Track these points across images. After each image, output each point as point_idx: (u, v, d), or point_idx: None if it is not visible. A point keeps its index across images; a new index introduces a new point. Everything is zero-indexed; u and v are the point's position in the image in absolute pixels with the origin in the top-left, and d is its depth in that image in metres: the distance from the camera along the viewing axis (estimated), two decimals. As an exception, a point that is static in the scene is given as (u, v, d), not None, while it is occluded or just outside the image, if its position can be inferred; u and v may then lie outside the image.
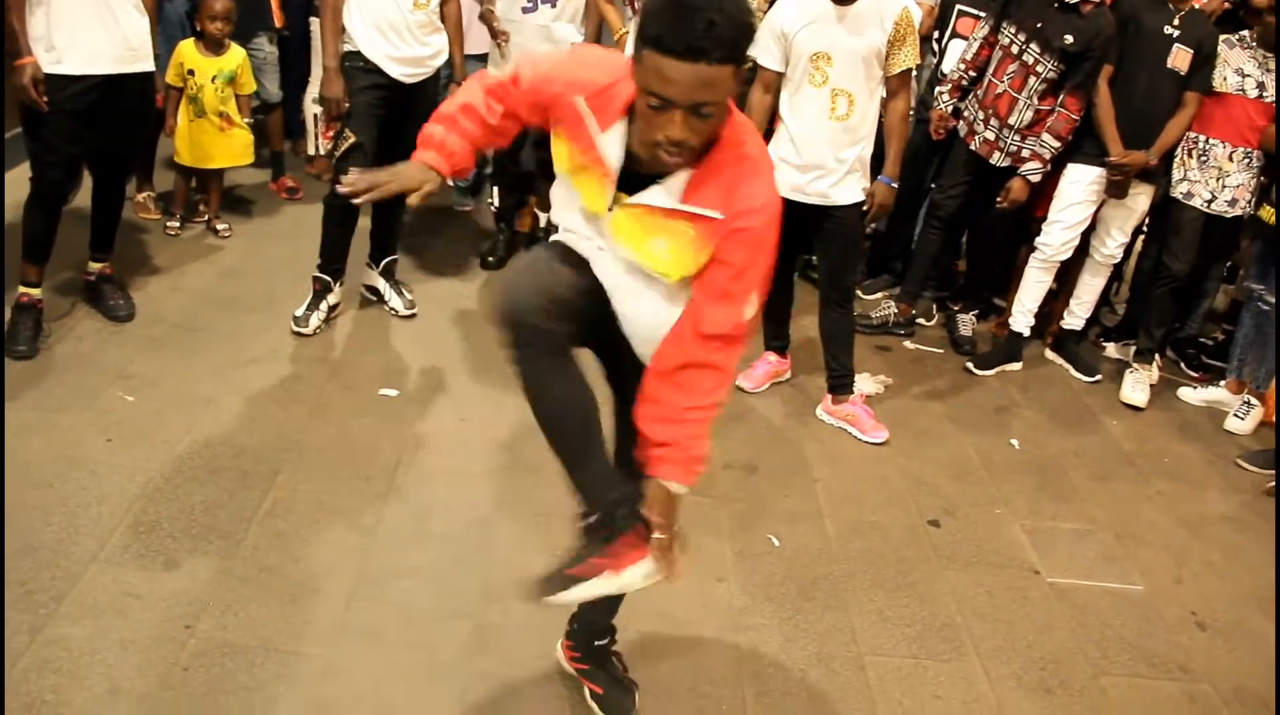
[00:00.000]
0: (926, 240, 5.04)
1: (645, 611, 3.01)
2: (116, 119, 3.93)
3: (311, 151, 6.15)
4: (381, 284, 4.66)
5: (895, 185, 3.98)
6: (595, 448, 2.22)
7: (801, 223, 4.02)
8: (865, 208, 3.97)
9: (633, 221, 2.01)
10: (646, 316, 2.13)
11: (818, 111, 3.86)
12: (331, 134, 4.42)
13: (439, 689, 2.67)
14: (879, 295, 5.44)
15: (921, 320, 5.25)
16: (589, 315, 2.12)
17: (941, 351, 5.04)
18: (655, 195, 1.96)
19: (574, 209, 2.14)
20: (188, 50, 4.84)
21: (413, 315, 4.58)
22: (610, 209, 2.02)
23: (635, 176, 1.98)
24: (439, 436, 3.71)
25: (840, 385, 4.20)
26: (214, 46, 4.83)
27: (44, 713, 2.46)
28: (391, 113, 4.33)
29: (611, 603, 2.57)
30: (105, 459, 3.39)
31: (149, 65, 4.01)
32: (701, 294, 2.02)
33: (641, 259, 2.03)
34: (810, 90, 3.85)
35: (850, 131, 3.86)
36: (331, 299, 4.44)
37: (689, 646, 2.93)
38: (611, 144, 1.97)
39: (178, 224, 5.12)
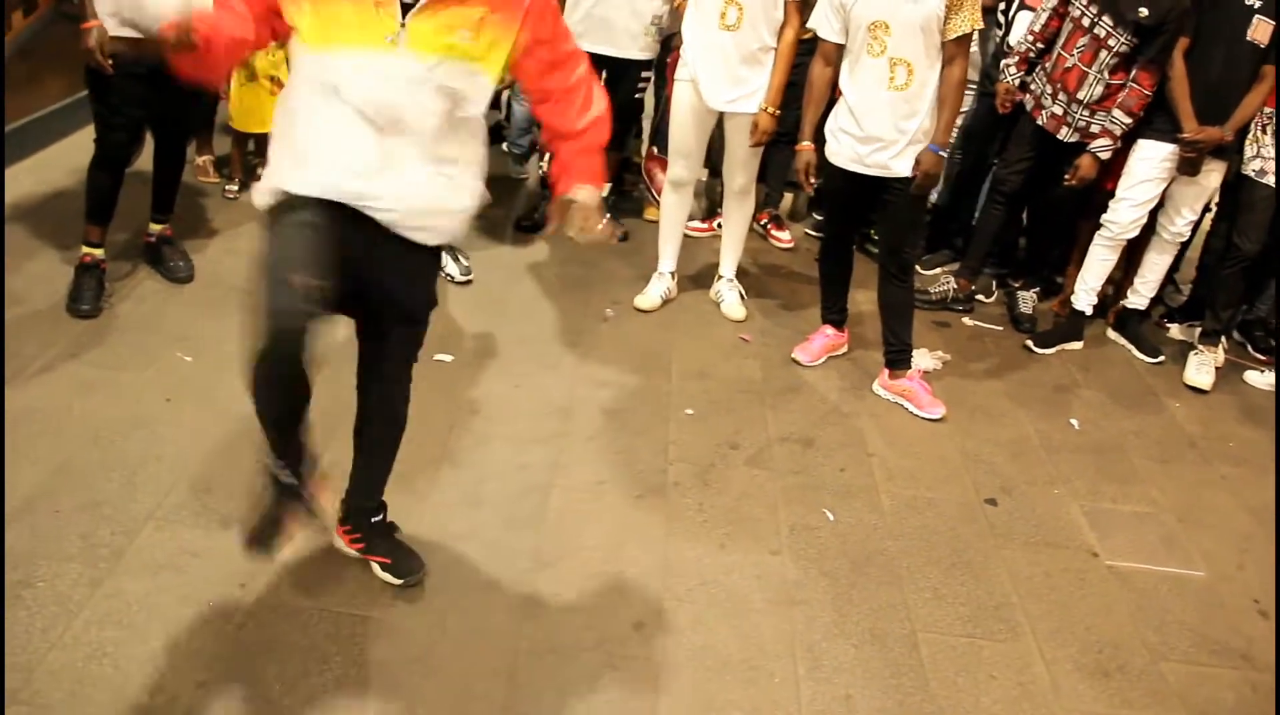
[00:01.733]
0: (989, 216, 4.96)
1: (697, 582, 3.00)
2: (179, 82, 3.94)
3: None
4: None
5: (944, 154, 3.87)
6: (297, 429, 2.43)
7: (861, 194, 3.97)
8: (912, 176, 3.89)
9: (430, 27, 2.15)
10: (411, 179, 2.29)
11: (876, 81, 3.78)
12: None
13: (488, 653, 2.67)
14: (938, 270, 5.37)
15: (981, 297, 5.17)
16: (340, 283, 2.23)
17: (1001, 329, 4.96)
18: None
19: (336, 64, 2.18)
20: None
21: (468, 282, 4.58)
22: (403, 24, 2.13)
23: None
24: (492, 402, 3.71)
25: (898, 360, 4.14)
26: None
27: (105, 664, 2.49)
28: None
29: (372, 480, 2.83)
30: (164, 418, 3.42)
31: None
32: (538, 80, 2.40)
33: (450, 54, 2.18)
34: (869, 60, 3.78)
35: (909, 101, 3.78)
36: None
37: (741, 618, 2.90)
38: None
39: (236, 187, 5.15)
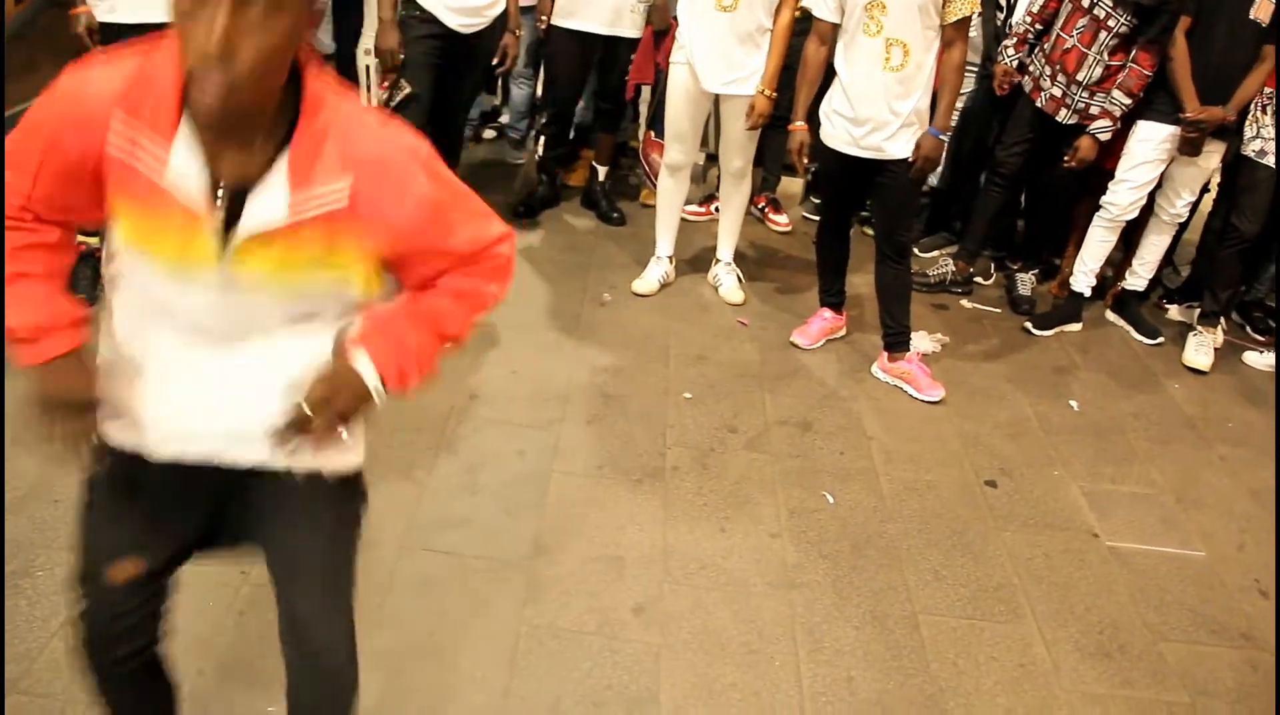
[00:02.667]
0: (987, 198, 4.94)
1: (696, 566, 3.00)
2: None
3: (364, 103, 6.13)
4: None
5: (944, 138, 3.85)
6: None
7: (856, 177, 3.96)
8: (911, 161, 3.87)
9: (259, 265, 1.46)
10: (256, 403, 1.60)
11: (871, 62, 3.76)
12: (387, 85, 4.39)
13: (490, 638, 2.66)
14: (937, 253, 5.36)
15: (980, 279, 5.17)
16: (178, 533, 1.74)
17: (999, 311, 4.96)
18: (261, 211, 1.41)
19: (154, 292, 1.54)
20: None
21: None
22: (222, 257, 1.44)
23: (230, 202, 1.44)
24: (490, 389, 3.70)
25: (896, 343, 4.14)
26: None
27: (100, 653, 2.48)
28: (447, 63, 4.31)
29: None
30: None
31: None
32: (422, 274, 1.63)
33: (289, 288, 1.51)
34: (864, 40, 3.75)
35: (905, 82, 3.75)
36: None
37: (741, 601, 2.90)
38: (183, 158, 1.40)
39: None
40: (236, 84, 1.28)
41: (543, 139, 5.48)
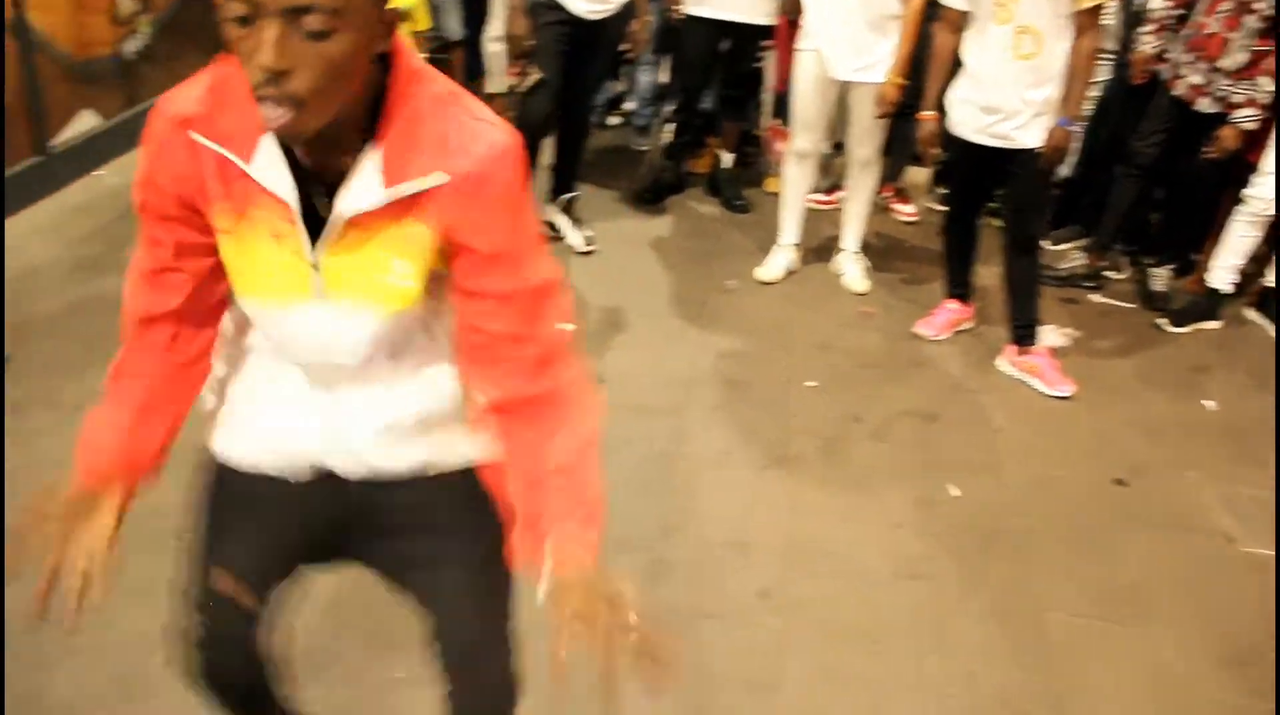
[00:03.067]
0: (1122, 190, 4.82)
1: (820, 554, 3.00)
2: None
3: (492, 90, 6.22)
4: (560, 220, 4.70)
5: (1073, 128, 3.76)
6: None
7: (985, 166, 3.90)
8: (1040, 151, 3.77)
9: (348, 261, 1.39)
10: (374, 404, 1.55)
11: (1002, 50, 3.68)
12: (516, 71, 4.45)
13: (614, 618, 2.70)
14: (1067, 246, 5.24)
15: (1112, 273, 5.04)
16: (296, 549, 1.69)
17: (1132, 306, 4.83)
18: (358, 197, 1.34)
19: (256, 318, 1.51)
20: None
21: (591, 252, 4.62)
22: (315, 265, 1.39)
23: (314, 211, 1.38)
24: (615, 372, 3.73)
25: (1024, 336, 4.07)
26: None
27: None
28: (574, 49, 4.35)
29: None
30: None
31: None
32: (472, 326, 1.46)
33: (388, 302, 1.42)
34: (994, 28, 3.68)
35: (1036, 71, 3.67)
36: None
37: (863, 591, 2.90)
38: (268, 169, 1.34)
39: None
40: (297, 102, 1.21)
41: (670, 126, 5.50)
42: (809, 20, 4.29)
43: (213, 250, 1.44)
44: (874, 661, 2.67)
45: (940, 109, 3.95)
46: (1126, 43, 4.84)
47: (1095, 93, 5.04)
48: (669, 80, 5.84)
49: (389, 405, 1.55)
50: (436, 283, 1.44)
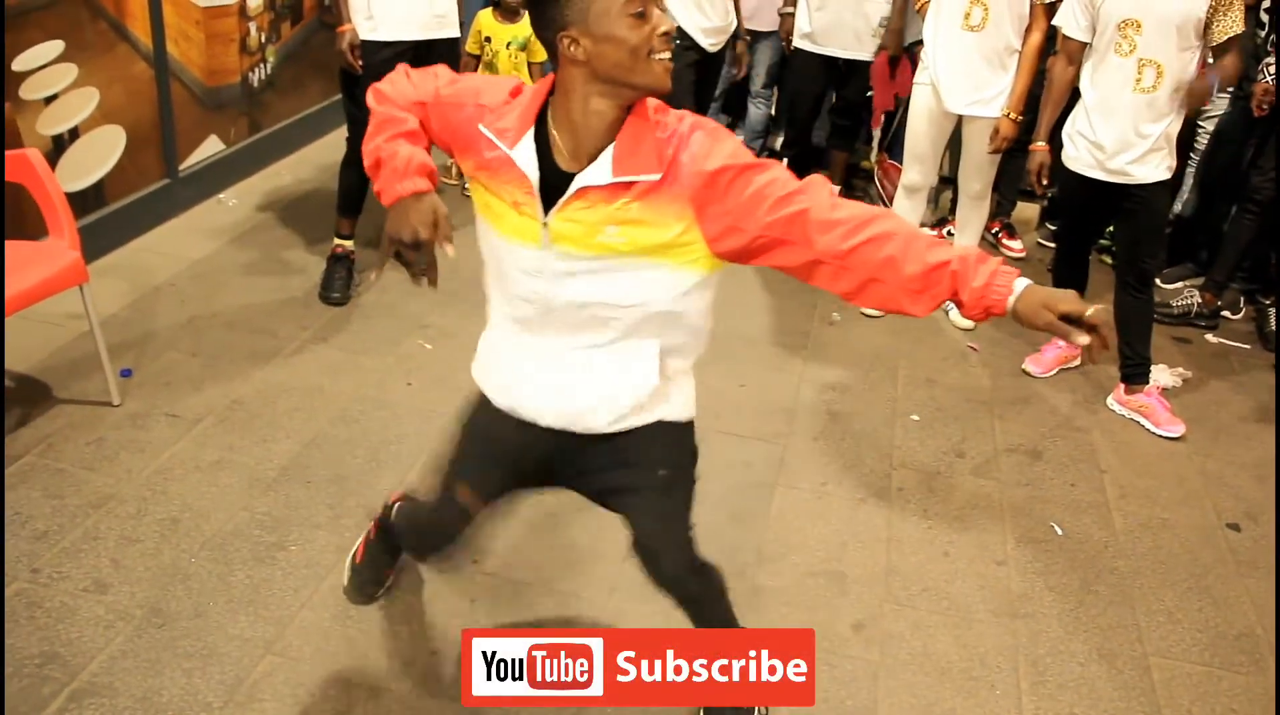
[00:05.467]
0: (1240, 226, 4.71)
1: (919, 588, 2.97)
2: None
3: None
4: None
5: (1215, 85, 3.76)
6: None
7: (1098, 201, 3.84)
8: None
9: (575, 224, 1.85)
10: (605, 371, 2.01)
11: (1122, 82, 3.64)
12: None
13: (709, 644, 2.70)
14: (1180, 284, 5.12)
15: (1227, 313, 4.90)
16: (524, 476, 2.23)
17: (1248, 347, 4.70)
18: (589, 175, 1.83)
19: (508, 267, 1.98)
20: (485, 18, 5.05)
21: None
22: (545, 223, 1.86)
23: (553, 189, 1.86)
24: (718, 400, 3.74)
25: (1135, 374, 3.98)
26: (509, 14, 5.00)
27: (349, 625, 2.67)
28: (700, 80, 4.60)
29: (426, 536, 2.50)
30: (405, 401, 3.60)
31: (454, 32, 4.22)
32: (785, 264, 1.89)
33: (599, 252, 1.86)
34: (1115, 60, 3.64)
35: (1155, 105, 3.62)
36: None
37: (963, 627, 2.86)
38: (525, 156, 1.86)
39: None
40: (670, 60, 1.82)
41: (785, 160, 5.52)
42: (926, 53, 4.28)
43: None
44: (970, 699, 2.63)
45: (1054, 142, 3.91)
46: (1247, 74, 4.73)
47: (1210, 125, 4.95)
48: (778, 113, 5.88)
49: (611, 375, 2.00)
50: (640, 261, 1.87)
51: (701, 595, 2.29)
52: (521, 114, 1.87)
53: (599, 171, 1.82)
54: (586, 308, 1.93)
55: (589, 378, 2.00)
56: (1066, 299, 1.71)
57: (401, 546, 2.59)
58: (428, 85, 2.02)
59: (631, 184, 1.82)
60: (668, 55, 1.78)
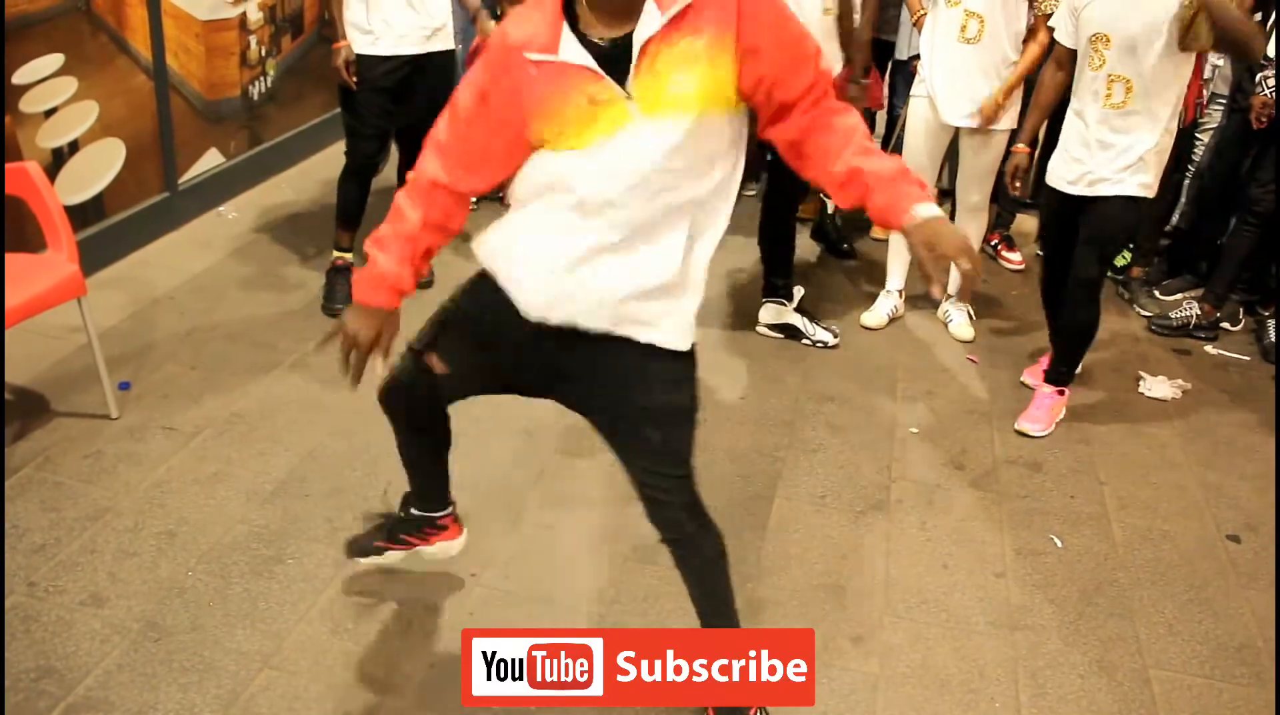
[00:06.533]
0: (1239, 238, 4.71)
1: (918, 600, 2.96)
2: (422, 94, 4.17)
3: None
4: (796, 319, 4.48)
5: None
6: (433, 459, 2.55)
7: (1074, 216, 3.77)
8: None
9: (649, 84, 1.87)
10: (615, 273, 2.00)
11: (1093, 96, 3.60)
12: None
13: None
14: (1179, 295, 5.12)
15: (1226, 324, 4.90)
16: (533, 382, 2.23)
17: (1248, 359, 4.69)
18: (643, 30, 1.85)
19: (591, 173, 1.94)
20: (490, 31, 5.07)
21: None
22: (629, 95, 1.87)
23: (613, 64, 1.88)
24: (716, 412, 3.74)
25: (1061, 377, 3.97)
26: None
27: (345, 639, 2.66)
28: None
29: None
30: (404, 412, 3.59)
31: (450, 44, 4.25)
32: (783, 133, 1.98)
33: (674, 110, 1.87)
34: (1088, 73, 3.61)
35: (1125, 118, 3.56)
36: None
37: (962, 639, 2.85)
38: (573, 51, 1.87)
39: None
40: None
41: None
42: (923, 65, 4.29)
43: (511, 144, 1.97)
44: (969, 712, 2.62)
45: (1035, 146, 3.87)
46: (1240, 86, 4.74)
47: (1207, 138, 4.96)
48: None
49: (641, 269, 1.98)
50: (714, 115, 1.90)
51: (700, 546, 2.28)
52: (545, 16, 1.88)
53: (649, 20, 1.85)
54: (665, 181, 1.93)
55: (621, 258, 1.99)
56: (947, 243, 1.84)
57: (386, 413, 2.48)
58: (455, 117, 2.02)
59: (681, 17, 1.85)
60: None
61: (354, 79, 4.01)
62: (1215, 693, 2.77)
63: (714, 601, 2.34)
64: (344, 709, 2.47)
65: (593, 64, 1.86)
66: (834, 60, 4.14)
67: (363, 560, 2.72)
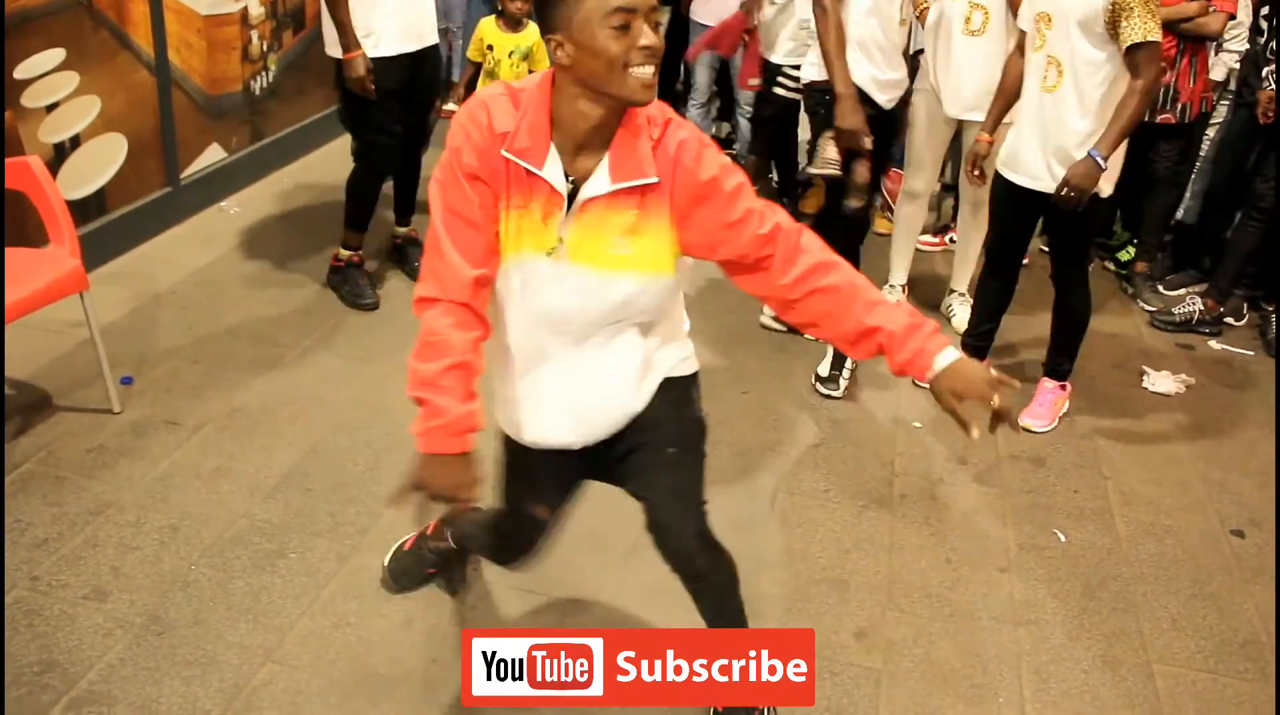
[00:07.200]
0: (1244, 233, 4.70)
1: (921, 595, 2.96)
2: (420, 91, 4.16)
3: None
4: None
5: (1102, 163, 3.38)
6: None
7: (1021, 205, 3.71)
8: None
9: (585, 237, 1.90)
10: (618, 371, 2.07)
11: (1034, 79, 3.52)
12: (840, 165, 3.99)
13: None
14: (1183, 290, 5.11)
15: (1230, 319, 4.89)
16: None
17: (1252, 354, 4.68)
18: (590, 187, 1.88)
19: (530, 281, 1.96)
20: (487, 26, 5.02)
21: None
22: (561, 237, 1.90)
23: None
24: (720, 408, 3.72)
25: (1059, 371, 3.96)
26: (512, 24, 4.97)
27: (348, 633, 2.66)
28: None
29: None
30: (406, 408, 3.52)
31: (436, 38, 4.23)
32: (734, 247, 1.93)
33: (612, 267, 1.92)
34: (1032, 55, 3.53)
35: (1057, 106, 3.46)
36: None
37: (966, 634, 2.85)
38: (554, 171, 1.88)
39: None
40: (654, 74, 1.82)
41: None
42: (926, 58, 4.27)
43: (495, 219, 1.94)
44: (973, 707, 2.62)
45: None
46: (1246, 81, 4.73)
47: (1213, 133, 4.95)
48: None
49: (615, 374, 2.05)
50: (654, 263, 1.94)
51: (712, 574, 2.28)
52: (534, 128, 1.87)
53: (599, 181, 1.87)
54: (592, 313, 1.98)
55: (600, 383, 2.06)
56: (973, 387, 1.90)
57: (481, 554, 2.72)
58: (443, 225, 1.94)
59: (631, 191, 1.87)
60: (648, 70, 1.79)
61: (373, 87, 3.95)
62: (1220, 688, 2.77)
63: (726, 621, 2.34)
64: (346, 703, 2.47)
65: (564, 190, 1.89)
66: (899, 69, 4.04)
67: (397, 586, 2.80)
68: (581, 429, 2.11)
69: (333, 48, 3.98)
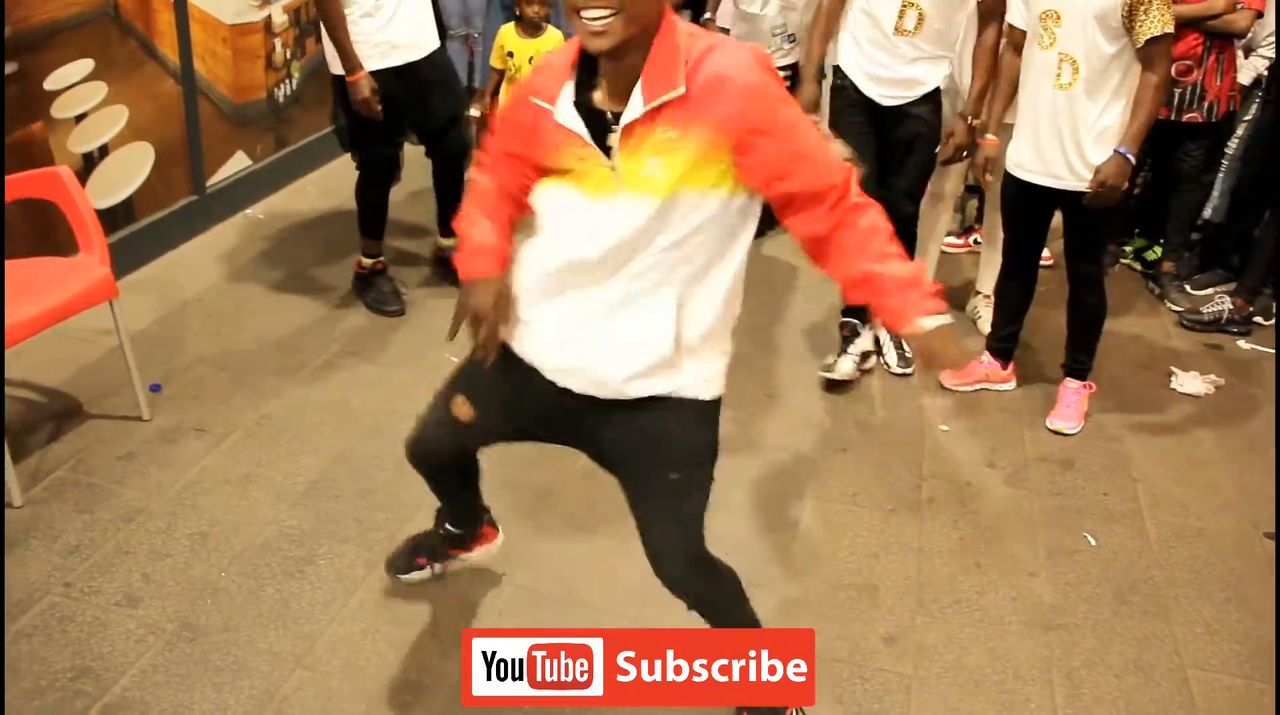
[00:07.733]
0: (1274, 231, 4.66)
1: (950, 600, 2.95)
2: (436, 95, 4.13)
3: None
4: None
5: (1131, 159, 3.43)
6: (464, 492, 2.56)
7: (1035, 204, 3.72)
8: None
9: (629, 161, 1.90)
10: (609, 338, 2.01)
11: (1044, 78, 3.50)
12: None
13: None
14: (1211, 290, 5.06)
15: (1260, 318, 4.85)
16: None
17: (1282, 354, 4.65)
18: (629, 112, 1.87)
19: (567, 221, 2.00)
20: (507, 33, 5.00)
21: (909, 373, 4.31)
22: (613, 167, 1.90)
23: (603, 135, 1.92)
24: (747, 412, 3.73)
25: (1078, 370, 3.92)
26: (531, 29, 4.97)
27: (377, 639, 2.67)
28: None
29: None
30: (433, 413, 3.59)
31: (437, 42, 4.15)
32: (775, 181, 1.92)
33: (646, 190, 1.89)
34: (1039, 54, 3.51)
35: (1074, 102, 3.45)
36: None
37: (996, 639, 2.83)
38: (566, 114, 1.92)
39: None
40: (609, 36, 1.81)
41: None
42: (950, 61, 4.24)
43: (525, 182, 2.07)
44: (1005, 712, 2.61)
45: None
46: (1276, 78, 4.69)
47: (1242, 130, 4.91)
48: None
49: (639, 341, 1.98)
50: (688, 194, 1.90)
51: (709, 595, 2.26)
52: (556, 70, 1.95)
53: (634, 106, 1.87)
54: (633, 249, 1.94)
55: (611, 332, 2.00)
56: (941, 359, 1.96)
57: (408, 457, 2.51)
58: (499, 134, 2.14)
59: (671, 113, 1.86)
60: (593, 15, 1.79)
61: (380, 107, 3.91)
62: (1256, 694, 2.75)
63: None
64: (376, 709, 2.48)
65: (581, 130, 1.91)
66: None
67: (405, 576, 2.70)
68: (581, 369, 2.04)
69: (335, 65, 3.96)
